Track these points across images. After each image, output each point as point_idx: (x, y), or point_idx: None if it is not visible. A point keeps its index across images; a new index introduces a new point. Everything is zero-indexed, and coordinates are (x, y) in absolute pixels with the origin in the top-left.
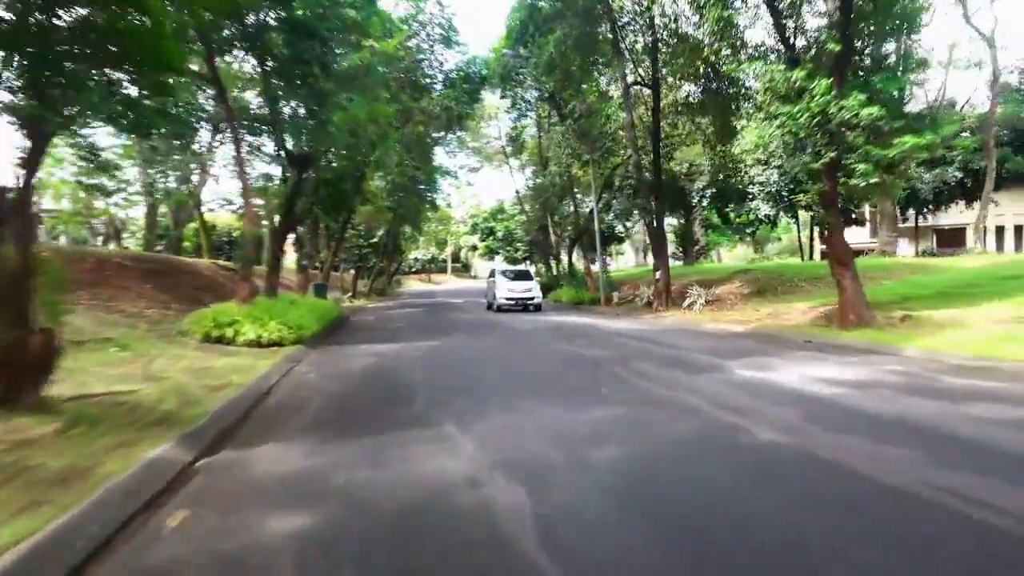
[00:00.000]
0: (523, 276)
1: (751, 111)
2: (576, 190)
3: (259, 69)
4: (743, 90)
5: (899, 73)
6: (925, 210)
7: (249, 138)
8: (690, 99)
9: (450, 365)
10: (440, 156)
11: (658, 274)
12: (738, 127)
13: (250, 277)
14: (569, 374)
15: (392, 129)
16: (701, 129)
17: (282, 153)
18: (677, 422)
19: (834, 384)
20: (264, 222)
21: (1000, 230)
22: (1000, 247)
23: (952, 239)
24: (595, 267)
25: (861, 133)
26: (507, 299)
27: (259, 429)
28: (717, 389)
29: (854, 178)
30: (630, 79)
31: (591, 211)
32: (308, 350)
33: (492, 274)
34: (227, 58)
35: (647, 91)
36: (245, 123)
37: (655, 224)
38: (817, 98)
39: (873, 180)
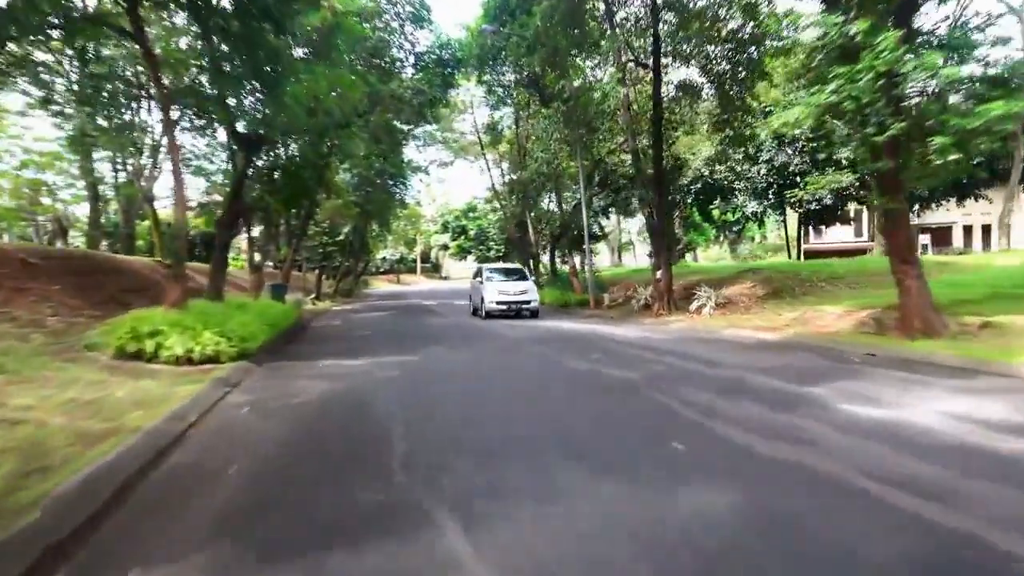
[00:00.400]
0: (516, 275)
1: (783, 81)
2: (557, 182)
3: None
4: (766, 61)
5: (968, 31)
6: (917, 207)
7: (196, 120)
8: (702, 73)
9: (436, 395)
10: (411, 152)
11: (659, 273)
12: (755, 105)
13: (182, 276)
14: (608, 411)
15: (357, 116)
16: (705, 112)
17: (236, 131)
18: (865, 530)
19: (1008, 431)
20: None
21: (987, 228)
22: (987, 246)
23: (940, 238)
24: (580, 265)
25: (935, 100)
26: (498, 303)
27: (124, 535)
28: (841, 440)
29: (930, 154)
30: (625, 57)
31: (575, 205)
32: (252, 368)
33: (478, 273)
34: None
35: (642, 72)
36: (183, 96)
37: (655, 218)
38: (886, 55)
39: (952, 156)
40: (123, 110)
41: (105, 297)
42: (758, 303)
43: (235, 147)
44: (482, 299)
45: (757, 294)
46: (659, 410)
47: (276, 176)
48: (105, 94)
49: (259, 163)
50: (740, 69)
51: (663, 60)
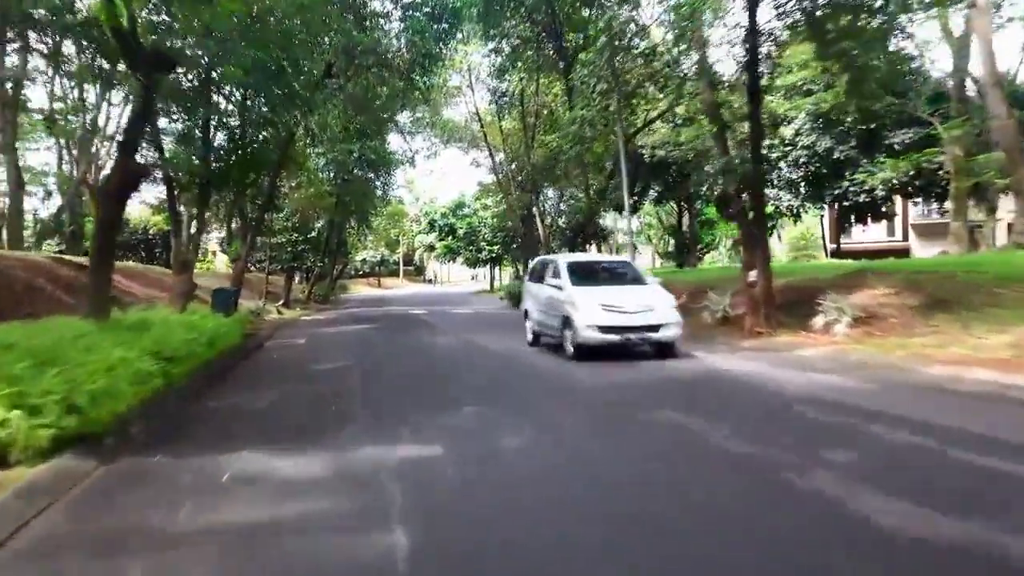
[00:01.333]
0: (622, 275)
1: None
2: (581, 163)
3: None
4: None
5: None
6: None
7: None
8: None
9: None
10: (397, 142)
11: (752, 275)
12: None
13: None
14: None
15: (329, 75)
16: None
17: (128, 42)
18: None
19: None
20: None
21: (1009, 228)
22: (993, 243)
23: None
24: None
25: None
26: (603, 330)
27: None
28: None
29: None
30: None
31: (599, 192)
32: (65, 487)
33: (542, 271)
34: None
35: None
36: None
37: (747, 199)
38: None
39: None
40: None
41: None
42: (917, 318)
43: (130, 71)
44: (566, 320)
45: (907, 304)
46: None
47: (212, 137)
48: None
49: (187, 118)
50: None
51: None
